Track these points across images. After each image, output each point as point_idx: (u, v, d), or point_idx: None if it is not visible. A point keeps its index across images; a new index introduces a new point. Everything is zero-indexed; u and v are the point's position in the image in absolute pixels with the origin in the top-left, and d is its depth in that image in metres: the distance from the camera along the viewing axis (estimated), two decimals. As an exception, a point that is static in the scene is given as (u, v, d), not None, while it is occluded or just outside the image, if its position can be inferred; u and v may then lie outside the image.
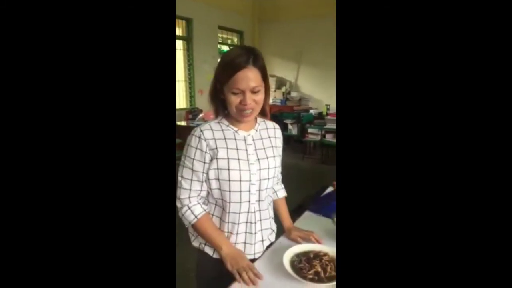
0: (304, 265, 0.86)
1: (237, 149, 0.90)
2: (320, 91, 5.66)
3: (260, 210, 0.96)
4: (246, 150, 0.92)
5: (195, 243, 0.96)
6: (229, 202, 0.90)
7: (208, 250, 0.93)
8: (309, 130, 4.88)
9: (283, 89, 5.82)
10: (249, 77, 0.83)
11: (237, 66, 0.82)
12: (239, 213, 0.92)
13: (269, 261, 0.92)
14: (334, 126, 4.60)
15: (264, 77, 0.88)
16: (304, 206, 1.39)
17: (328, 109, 5.18)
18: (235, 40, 5.90)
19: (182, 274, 1.12)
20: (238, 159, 0.89)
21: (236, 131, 0.93)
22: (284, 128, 5.31)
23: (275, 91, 5.83)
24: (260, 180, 0.93)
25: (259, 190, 0.93)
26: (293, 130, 5.27)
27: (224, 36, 5.67)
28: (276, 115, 5.42)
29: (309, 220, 1.23)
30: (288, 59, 5.82)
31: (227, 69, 0.84)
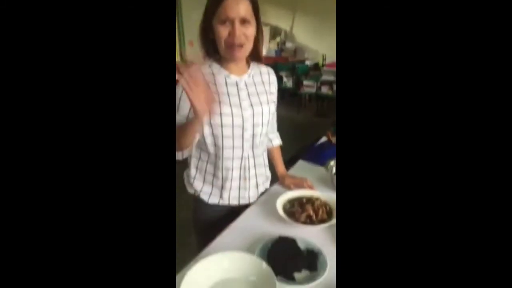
0: (296, 209, 0.89)
1: (228, 94, 0.87)
2: (316, 41, 5.43)
3: (254, 156, 0.95)
4: (239, 95, 0.88)
5: (190, 190, 0.98)
6: (222, 148, 0.90)
7: (203, 196, 0.95)
8: (304, 82, 4.78)
9: (278, 39, 5.57)
10: (239, 4, 0.77)
11: None
12: (233, 158, 0.91)
13: (263, 206, 0.95)
14: (330, 78, 4.51)
15: (256, 11, 0.82)
16: (298, 157, 1.41)
17: (324, 59, 5.02)
18: (226, -16, 5.48)
19: (179, 223, 1.15)
20: (230, 104, 0.86)
21: (227, 75, 0.88)
22: (279, 80, 5.17)
23: (269, 41, 5.58)
24: (253, 126, 0.91)
25: (253, 136, 0.92)
26: (288, 82, 5.15)
27: (214, -20, 5.25)
28: (270, 66, 5.25)
29: (302, 168, 1.24)
30: (283, 7, 5.48)
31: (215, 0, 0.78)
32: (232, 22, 0.78)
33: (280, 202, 0.92)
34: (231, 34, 0.79)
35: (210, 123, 0.87)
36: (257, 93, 0.92)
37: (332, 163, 1.13)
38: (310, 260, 0.71)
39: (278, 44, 5.54)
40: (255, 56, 0.92)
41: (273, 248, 0.73)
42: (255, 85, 0.93)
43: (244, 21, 0.79)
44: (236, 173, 0.94)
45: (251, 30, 0.82)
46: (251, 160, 0.95)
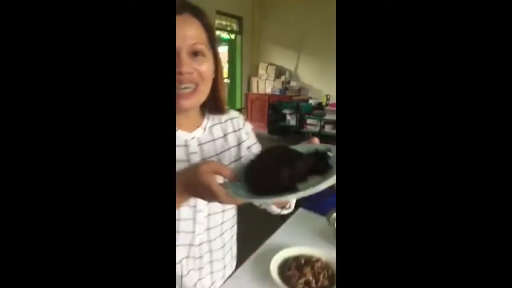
0: (293, 272, 0.77)
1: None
2: (320, 81, 5.52)
3: (210, 241, 0.68)
4: (189, 161, 0.62)
5: None
6: None
7: None
8: (308, 121, 4.78)
9: (282, 78, 5.68)
10: (185, 28, 0.54)
11: None
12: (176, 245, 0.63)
13: (254, 267, 0.83)
14: (333, 117, 4.50)
15: (212, 40, 0.59)
16: (297, 203, 1.30)
17: (328, 99, 5.06)
18: (234, 26, 5.72)
19: None
20: None
21: None
22: (282, 118, 5.21)
23: (274, 80, 5.69)
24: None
25: (209, 215, 0.65)
26: (292, 120, 5.16)
27: (223, 22, 5.48)
28: (275, 104, 5.30)
29: (302, 218, 1.13)
30: (288, 47, 5.65)
31: None
32: (177, 54, 0.53)
33: (274, 263, 0.80)
34: (177, 69, 0.53)
35: None
36: (217, 154, 0.67)
37: (335, 214, 1.02)
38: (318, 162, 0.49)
39: (282, 83, 5.63)
40: (214, 106, 0.66)
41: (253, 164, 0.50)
42: (214, 142, 0.67)
43: (195, 53, 0.55)
44: (184, 264, 0.65)
45: (206, 66, 0.57)
46: (205, 246, 0.67)
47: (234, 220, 0.75)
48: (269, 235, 0.97)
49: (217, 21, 5.25)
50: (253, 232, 0.96)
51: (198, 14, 0.58)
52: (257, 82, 5.85)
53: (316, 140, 0.53)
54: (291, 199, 0.48)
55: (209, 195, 0.46)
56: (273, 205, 0.69)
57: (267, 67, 5.75)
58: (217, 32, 5.32)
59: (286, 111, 5.14)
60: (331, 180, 0.43)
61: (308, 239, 0.95)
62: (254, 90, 5.92)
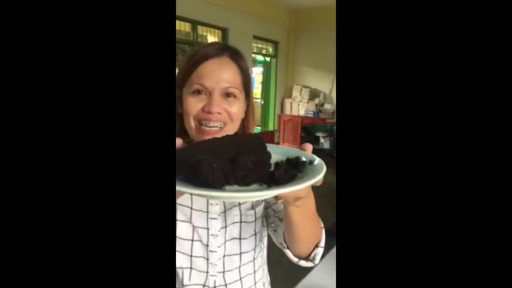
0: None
1: (191, 196, 0.59)
2: (355, 104, 5.41)
3: (226, 285, 0.61)
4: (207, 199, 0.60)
5: None
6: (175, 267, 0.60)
7: None
8: (342, 145, 4.67)
9: (316, 100, 5.65)
10: (222, 69, 0.55)
11: (204, 55, 0.55)
12: (187, 285, 0.59)
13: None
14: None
15: (246, 83, 0.59)
16: (334, 232, 1.24)
17: (363, 123, 4.94)
18: (270, 49, 5.85)
19: None
20: (191, 208, 0.58)
21: None
22: (315, 141, 5.13)
23: (308, 102, 5.67)
24: (225, 242, 0.59)
25: (224, 256, 0.60)
26: (325, 143, 5.07)
27: (259, 45, 5.64)
28: (308, 127, 5.26)
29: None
30: (323, 70, 5.64)
31: (189, 61, 0.55)
32: (209, 94, 0.54)
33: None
34: (206, 108, 0.53)
35: None
36: None
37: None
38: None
39: (316, 106, 5.59)
40: None
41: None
42: None
43: (228, 94, 0.55)
44: None
45: (237, 107, 0.56)
46: None
47: (259, 262, 0.67)
48: (304, 274, 0.92)
49: (253, 44, 5.41)
50: (286, 268, 0.91)
51: (236, 56, 0.59)
52: (291, 103, 5.87)
53: (308, 147, 0.48)
54: (211, 198, 0.45)
55: None
56: (287, 250, 0.59)
57: (301, 89, 5.77)
58: (253, 55, 5.47)
59: (320, 134, 5.07)
60: (269, 192, 0.36)
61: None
62: (287, 111, 5.94)
